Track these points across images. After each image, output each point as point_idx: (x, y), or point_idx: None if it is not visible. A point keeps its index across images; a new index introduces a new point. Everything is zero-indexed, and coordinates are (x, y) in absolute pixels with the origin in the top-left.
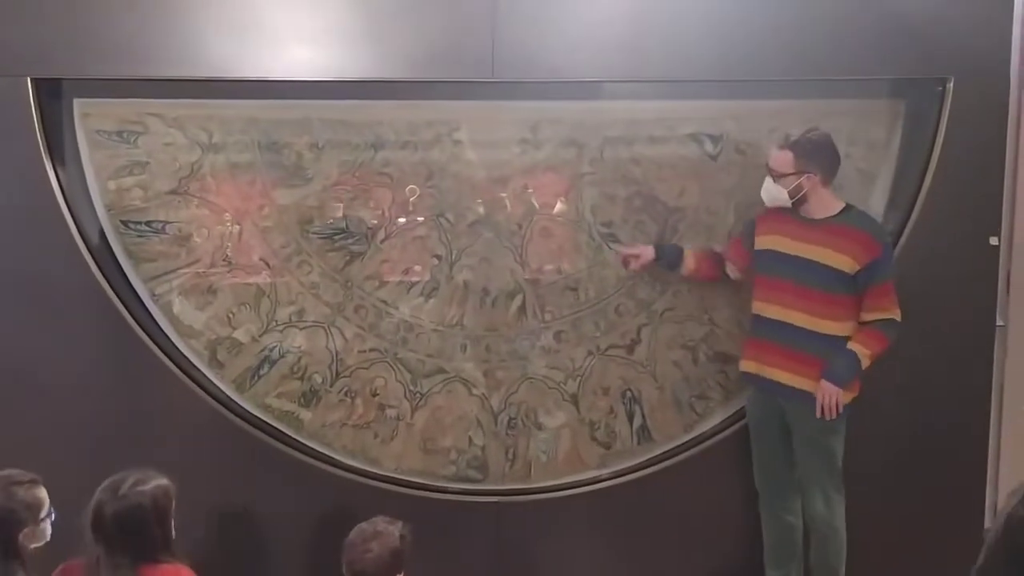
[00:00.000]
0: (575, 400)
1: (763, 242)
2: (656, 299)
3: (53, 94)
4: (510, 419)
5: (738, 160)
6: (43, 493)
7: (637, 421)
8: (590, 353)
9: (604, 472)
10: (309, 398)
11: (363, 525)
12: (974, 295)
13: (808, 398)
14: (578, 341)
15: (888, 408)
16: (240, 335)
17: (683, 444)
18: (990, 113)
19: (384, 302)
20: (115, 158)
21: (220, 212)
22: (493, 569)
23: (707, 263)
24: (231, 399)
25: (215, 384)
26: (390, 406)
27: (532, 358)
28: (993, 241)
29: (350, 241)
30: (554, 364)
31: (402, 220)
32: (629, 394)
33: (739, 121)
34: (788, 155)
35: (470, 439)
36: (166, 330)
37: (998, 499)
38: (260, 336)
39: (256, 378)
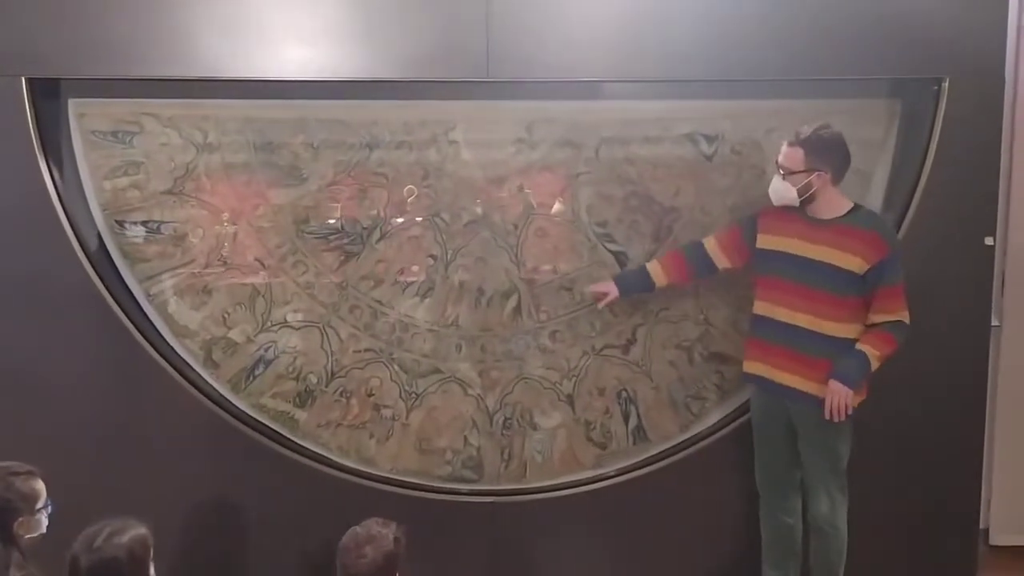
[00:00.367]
0: (571, 400)
1: (767, 241)
2: (651, 299)
3: (48, 94)
4: (505, 419)
5: (734, 160)
6: (40, 485)
7: (633, 421)
8: (585, 353)
9: (601, 472)
10: (304, 398)
11: (356, 529)
12: (969, 295)
13: (814, 401)
14: (573, 341)
15: (883, 407)
16: (235, 335)
17: (679, 444)
18: (986, 113)
19: (379, 302)
20: (110, 158)
21: (215, 212)
22: (488, 569)
23: (675, 268)
24: (226, 399)
25: (210, 384)
26: (385, 406)
27: (528, 358)
28: (988, 241)
29: (345, 241)
30: (550, 364)
31: (399, 220)
32: (625, 394)
33: (735, 121)
34: (799, 152)
35: (465, 439)
36: (161, 330)
37: (993, 498)
38: (255, 336)
39: (251, 378)
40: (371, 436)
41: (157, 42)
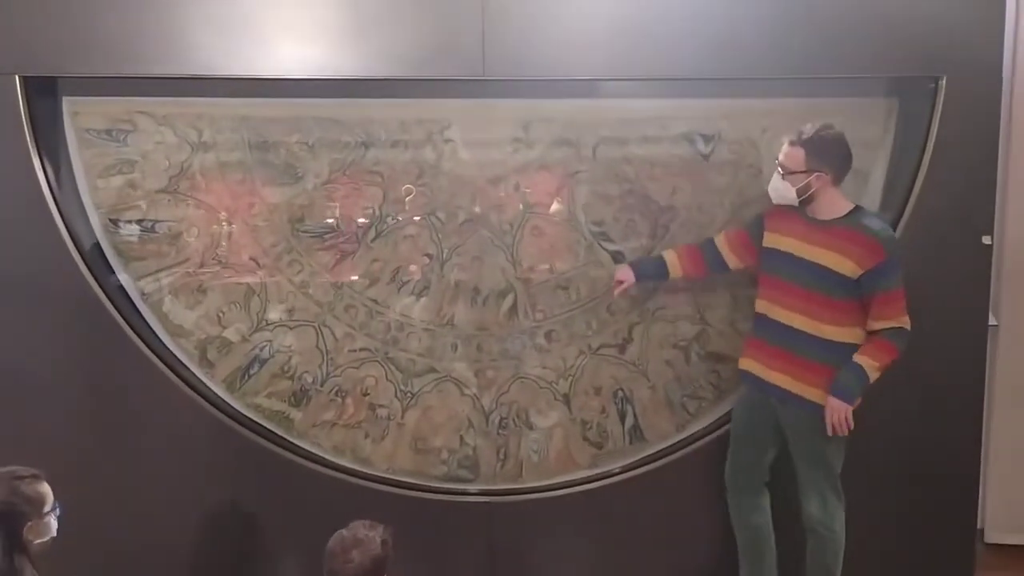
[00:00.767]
0: (567, 400)
1: (771, 240)
2: (648, 298)
3: (42, 92)
4: (501, 419)
5: (730, 159)
6: (46, 488)
7: (629, 421)
8: (582, 352)
9: (597, 472)
10: (299, 398)
11: (343, 532)
12: (967, 294)
13: (806, 404)
14: (570, 340)
15: (880, 406)
16: (230, 334)
17: (675, 444)
18: (983, 111)
19: (375, 301)
20: (104, 156)
21: (210, 211)
22: (484, 569)
23: (691, 261)
24: (221, 399)
25: (205, 384)
26: (381, 406)
27: (524, 357)
28: (986, 240)
29: (341, 240)
30: (546, 364)
31: (397, 219)
32: (621, 393)
33: (732, 120)
34: (800, 152)
35: (461, 439)
36: (156, 329)
37: (988, 496)
38: (250, 335)
39: (246, 377)
40: (366, 436)
41: (152, 40)
